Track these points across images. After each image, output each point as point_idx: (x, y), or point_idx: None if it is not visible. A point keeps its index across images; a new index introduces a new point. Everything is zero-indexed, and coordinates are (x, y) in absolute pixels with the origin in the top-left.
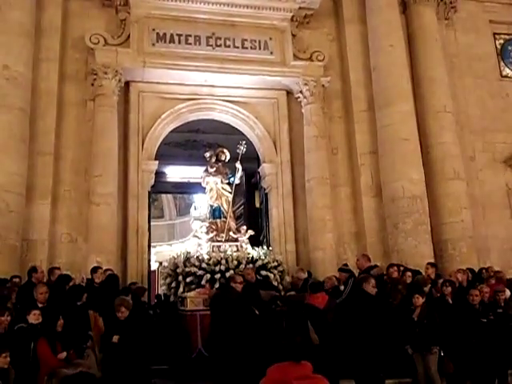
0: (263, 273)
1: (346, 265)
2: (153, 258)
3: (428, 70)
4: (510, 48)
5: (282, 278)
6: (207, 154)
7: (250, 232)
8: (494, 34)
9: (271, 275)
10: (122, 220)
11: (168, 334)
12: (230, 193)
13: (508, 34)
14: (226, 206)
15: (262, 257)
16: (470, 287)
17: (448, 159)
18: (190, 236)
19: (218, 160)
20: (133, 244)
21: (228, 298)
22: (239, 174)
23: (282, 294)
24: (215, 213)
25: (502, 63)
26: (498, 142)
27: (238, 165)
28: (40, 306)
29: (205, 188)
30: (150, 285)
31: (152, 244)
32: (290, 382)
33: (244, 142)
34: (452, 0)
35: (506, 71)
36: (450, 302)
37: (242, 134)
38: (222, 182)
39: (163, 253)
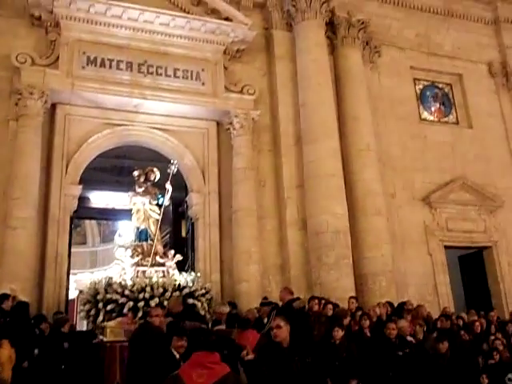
0: (190, 301)
1: (265, 298)
2: (72, 285)
3: (353, 110)
4: (428, 93)
5: (210, 307)
6: (136, 173)
7: (178, 257)
8: (415, 79)
9: (199, 304)
10: (40, 246)
11: (83, 367)
12: (159, 214)
13: (426, 80)
14: (153, 229)
15: (190, 284)
16: (388, 321)
17: (370, 195)
18: (114, 264)
19: (146, 180)
20: (51, 271)
21: (146, 337)
22: (169, 194)
23: (210, 324)
24: (141, 235)
25: (421, 107)
26: (416, 181)
27: (168, 185)
28: None
29: (131, 210)
30: (61, 313)
31: (73, 271)
32: (205, 364)
33: (175, 162)
34: (376, 45)
35: (425, 115)
36: (368, 335)
37: (170, 163)
38: (150, 202)
39: (84, 281)
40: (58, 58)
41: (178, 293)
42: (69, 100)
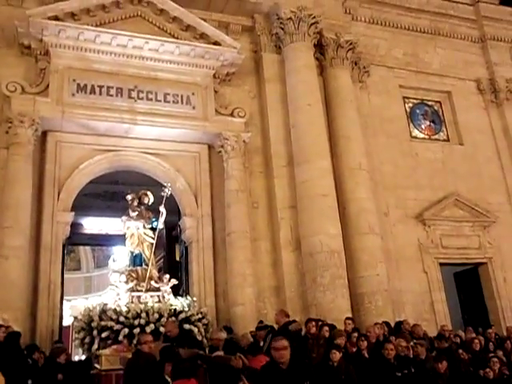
0: (187, 326)
1: (261, 322)
2: (67, 312)
3: (344, 129)
4: (418, 111)
5: (207, 331)
6: (129, 197)
7: (173, 281)
8: (404, 97)
9: (195, 329)
10: (33, 274)
11: None
12: (153, 238)
13: (416, 99)
14: (147, 253)
15: (186, 308)
16: (386, 341)
17: (363, 214)
18: (108, 289)
19: (140, 203)
20: (44, 300)
21: (138, 365)
22: (163, 217)
23: (207, 350)
24: (136, 260)
25: (411, 125)
26: (409, 199)
27: (162, 208)
28: None
29: (125, 234)
30: (61, 342)
31: (67, 297)
32: None
33: (169, 185)
34: (365, 65)
35: (415, 132)
36: (366, 356)
37: (163, 186)
38: (144, 226)
39: (79, 307)
40: (47, 85)
41: (173, 318)
42: (59, 127)
